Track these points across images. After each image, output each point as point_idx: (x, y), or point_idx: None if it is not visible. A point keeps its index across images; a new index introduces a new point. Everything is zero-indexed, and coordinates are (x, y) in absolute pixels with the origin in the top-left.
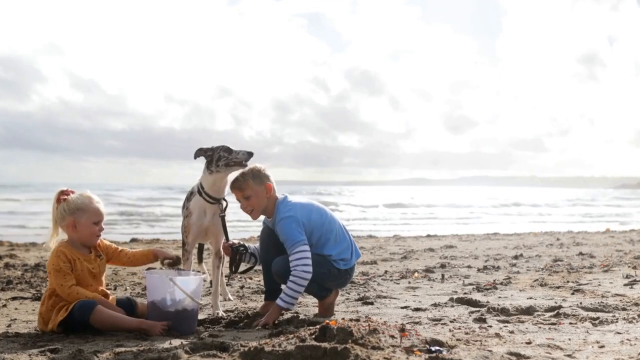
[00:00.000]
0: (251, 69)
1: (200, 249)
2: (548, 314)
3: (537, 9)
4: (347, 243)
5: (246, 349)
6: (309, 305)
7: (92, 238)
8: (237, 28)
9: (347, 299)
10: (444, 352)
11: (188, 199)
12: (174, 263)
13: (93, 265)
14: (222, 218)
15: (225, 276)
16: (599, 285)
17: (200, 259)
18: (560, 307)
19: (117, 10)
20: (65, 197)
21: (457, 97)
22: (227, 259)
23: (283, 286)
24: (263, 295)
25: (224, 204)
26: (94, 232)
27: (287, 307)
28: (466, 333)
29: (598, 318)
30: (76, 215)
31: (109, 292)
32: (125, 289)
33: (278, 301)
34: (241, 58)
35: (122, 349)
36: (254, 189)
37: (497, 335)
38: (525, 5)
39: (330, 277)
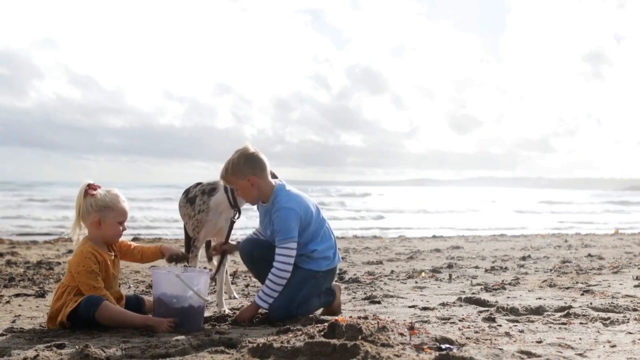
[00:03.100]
0: (250, 65)
1: (207, 245)
2: (558, 314)
3: (541, 6)
4: (331, 243)
5: (254, 345)
6: None
7: (115, 238)
8: (240, 24)
9: (353, 298)
10: (454, 350)
11: (208, 193)
12: (179, 260)
13: (114, 266)
14: (233, 223)
15: (230, 275)
16: (609, 286)
17: (209, 258)
18: (570, 307)
19: (113, 4)
20: (93, 191)
21: (462, 96)
22: (229, 258)
23: (263, 286)
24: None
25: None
26: (117, 231)
27: (264, 305)
28: (476, 332)
29: (609, 318)
30: (103, 213)
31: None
32: (129, 287)
33: (256, 299)
34: (241, 54)
35: (129, 345)
36: (237, 183)
37: (507, 334)
38: (529, 3)
39: (319, 284)
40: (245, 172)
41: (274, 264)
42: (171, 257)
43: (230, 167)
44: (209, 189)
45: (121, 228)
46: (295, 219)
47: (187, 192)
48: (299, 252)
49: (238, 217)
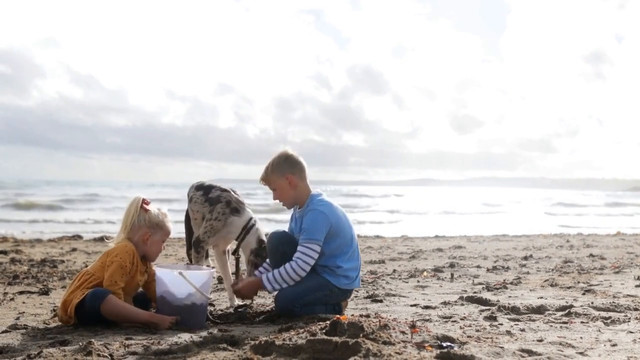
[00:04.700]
0: (252, 65)
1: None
2: (559, 313)
3: (541, 6)
4: (357, 264)
5: (257, 342)
6: None
7: (155, 255)
8: (242, 24)
9: (356, 296)
10: (456, 348)
11: (231, 210)
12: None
13: (141, 277)
14: (238, 260)
15: (233, 274)
16: (610, 286)
17: (206, 255)
18: (571, 306)
19: (116, 4)
20: (147, 207)
21: (463, 96)
22: (231, 259)
23: (276, 270)
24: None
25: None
26: (160, 250)
27: (270, 289)
28: (477, 330)
29: (610, 317)
30: (153, 230)
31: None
32: None
33: (264, 279)
34: (243, 54)
35: (132, 342)
36: (276, 182)
37: (508, 332)
38: (529, 3)
39: (331, 297)
40: (284, 170)
41: (294, 259)
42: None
43: (270, 166)
44: (234, 207)
45: (162, 247)
46: (325, 223)
47: (205, 190)
48: (323, 264)
49: (239, 257)
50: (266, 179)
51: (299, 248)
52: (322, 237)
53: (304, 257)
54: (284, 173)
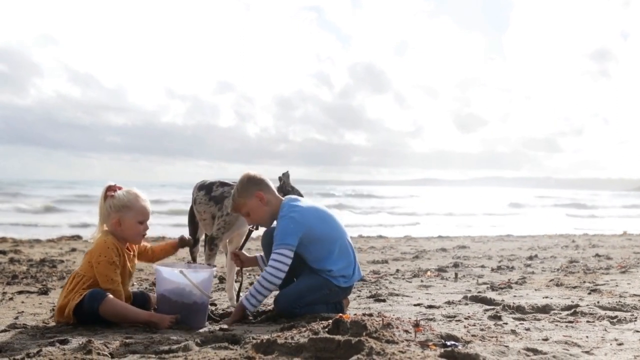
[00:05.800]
0: (252, 63)
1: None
2: (565, 313)
3: (544, 4)
4: (350, 259)
5: (258, 341)
6: None
7: (136, 237)
8: (242, 22)
9: (358, 296)
10: (460, 347)
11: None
12: (184, 244)
13: (132, 264)
14: (250, 232)
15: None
16: (617, 285)
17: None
18: (577, 306)
19: (114, 2)
20: (113, 193)
21: (466, 95)
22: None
23: (251, 287)
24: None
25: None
26: (138, 231)
27: (252, 308)
28: (481, 329)
29: (616, 317)
30: (122, 213)
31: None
32: (133, 284)
33: (244, 301)
34: (243, 52)
35: (132, 341)
36: (246, 204)
37: (513, 332)
38: (532, 0)
39: (331, 296)
40: (252, 189)
41: (266, 267)
42: (182, 241)
43: (236, 191)
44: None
45: (142, 227)
46: (295, 227)
47: (207, 188)
48: (316, 267)
49: (257, 229)
50: (236, 205)
51: (271, 255)
52: (293, 241)
53: (275, 263)
54: (252, 192)
